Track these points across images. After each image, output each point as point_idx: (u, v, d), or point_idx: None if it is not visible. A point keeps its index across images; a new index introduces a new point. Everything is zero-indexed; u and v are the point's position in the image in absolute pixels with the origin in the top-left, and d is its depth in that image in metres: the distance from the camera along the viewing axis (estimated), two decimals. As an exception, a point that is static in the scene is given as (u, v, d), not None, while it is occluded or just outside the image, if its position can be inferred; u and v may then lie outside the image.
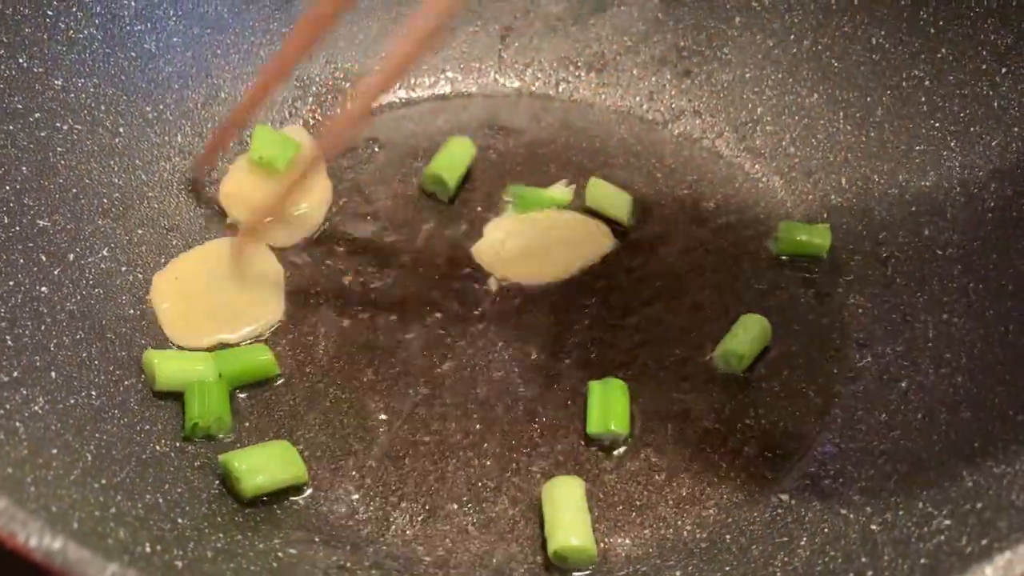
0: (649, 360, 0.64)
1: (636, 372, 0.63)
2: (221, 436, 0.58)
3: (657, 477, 0.59)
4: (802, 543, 0.53)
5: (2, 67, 0.61)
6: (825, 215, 0.72)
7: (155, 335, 0.62)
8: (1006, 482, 0.48)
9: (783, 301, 0.68)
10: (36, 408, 0.52)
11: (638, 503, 0.58)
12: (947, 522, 0.48)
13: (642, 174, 0.76)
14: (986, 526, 0.46)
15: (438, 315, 0.66)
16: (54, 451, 0.50)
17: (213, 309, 0.64)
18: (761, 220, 0.73)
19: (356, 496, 0.57)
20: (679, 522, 0.57)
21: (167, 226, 0.68)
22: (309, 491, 0.57)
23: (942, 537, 0.47)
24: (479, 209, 0.73)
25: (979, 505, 0.48)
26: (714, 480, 0.59)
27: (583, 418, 0.61)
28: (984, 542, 0.44)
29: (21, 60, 0.62)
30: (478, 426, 0.60)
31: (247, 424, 0.60)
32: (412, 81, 0.81)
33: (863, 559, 0.50)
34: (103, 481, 0.50)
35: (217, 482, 0.56)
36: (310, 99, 0.78)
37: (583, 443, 0.60)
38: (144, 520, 0.49)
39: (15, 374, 0.52)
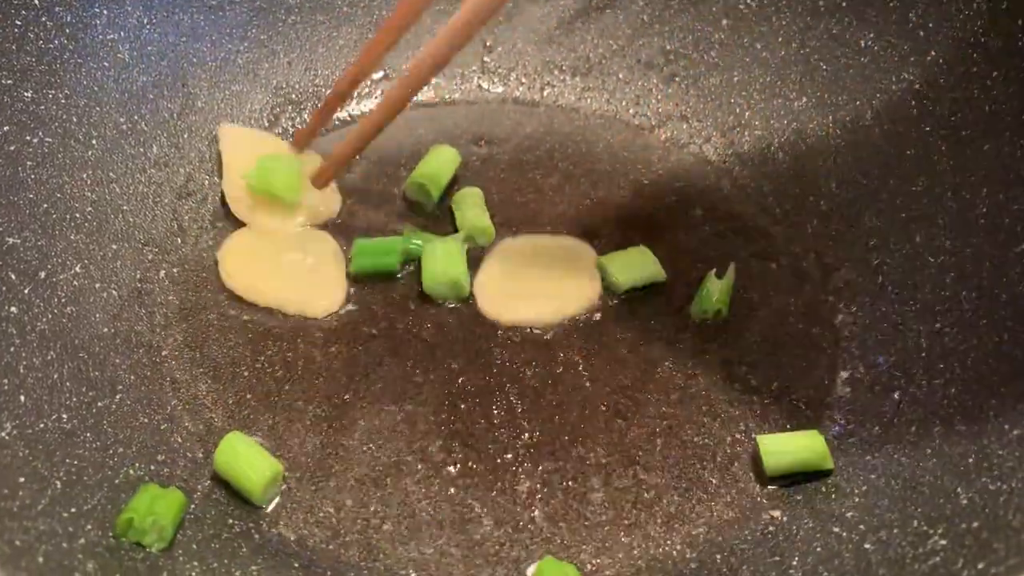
0: (635, 377, 0.63)
1: (624, 385, 0.62)
2: (152, 548, 0.50)
3: (646, 495, 0.57)
4: (794, 563, 0.52)
5: (-32, 80, 0.60)
6: (815, 221, 0.71)
7: (131, 355, 0.61)
8: (1002, 500, 0.47)
9: (772, 311, 0.66)
10: (3, 434, 0.50)
11: (626, 522, 0.56)
12: (943, 542, 0.47)
13: (628, 180, 0.75)
14: (983, 547, 0.45)
15: (421, 331, 0.65)
16: (21, 480, 0.48)
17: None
18: (750, 228, 0.72)
19: (336, 519, 0.55)
20: (668, 541, 0.55)
21: (143, 240, 0.66)
22: (289, 513, 0.56)
23: (938, 559, 0.46)
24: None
25: (975, 525, 0.47)
26: (703, 497, 0.57)
27: (568, 435, 0.59)
28: (981, 566, 0.43)
29: (-11, 72, 0.61)
30: (461, 444, 0.59)
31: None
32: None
33: (857, 580, 0.49)
34: (73, 510, 0.49)
35: (193, 506, 0.54)
36: (289, 107, 0.77)
37: (569, 461, 0.59)
38: (115, 550, 0.48)
39: (-19, 399, 0.51)
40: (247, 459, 0.55)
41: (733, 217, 0.72)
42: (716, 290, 0.65)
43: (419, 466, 0.58)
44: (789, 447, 0.58)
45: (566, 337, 0.64)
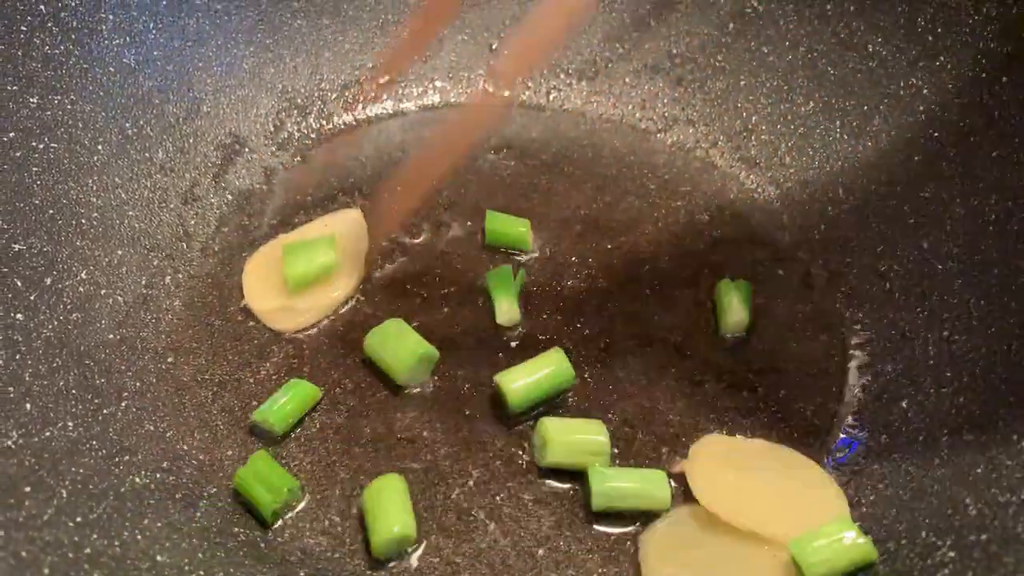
0: (641, 384, 0.62)
1: (631, 392, 0.62)
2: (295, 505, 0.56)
3: (652, 504, 0.57)
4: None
5: (-26, 87, 0.60)
6: (822, 226, 0.71)
7: (137, 362, 0.61)
8: (1012, 512, 0.47)
9: (780, 317, 0.66)
10: (9, 443, 0.50)
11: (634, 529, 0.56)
12: (951, 554, 0.47)
13: (635, 184, 0.75)
14: (992, 560, 0.44)
15: (428, 337, 0.64)
16: (27, 489, 0.48)
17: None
18: (757, 233, 0.71)
19: (342, 527, 0.55)
20: (675, 550, 0.55)
21: (148, 246, 0.66)
22: (295, 521, 0.55)
23: (946, 571, 0.46)
24: (469, 223, 0.71)
25: (984, 537, 0.46)
26: (711, 506, 0.57)
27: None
28: (990, 579, 0.43)
29: (-6, 78, 0.61)
30: (467, 452, 0.59)
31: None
32: (399, 91, 0.80)
33: (864, 591, 0.48)
34: (78, 519, 0.49)
35: (199, 514, 0.54)
36: (295, 111, 0.77)
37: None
38: (121, 560, 0.48)
39: (-14, 407, 0.51)
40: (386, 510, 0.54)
41: (740, 223, 0.72)
42: (738, 302, 0.65)
43: (425, 474, 0.58)
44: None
45: (573, 345, 0.64)
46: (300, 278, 0.65)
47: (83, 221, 0.63)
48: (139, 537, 0.50)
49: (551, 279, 0.68)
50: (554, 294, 0.67)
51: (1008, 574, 0.43)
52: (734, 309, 0.65)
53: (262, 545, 0.54)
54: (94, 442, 0.54)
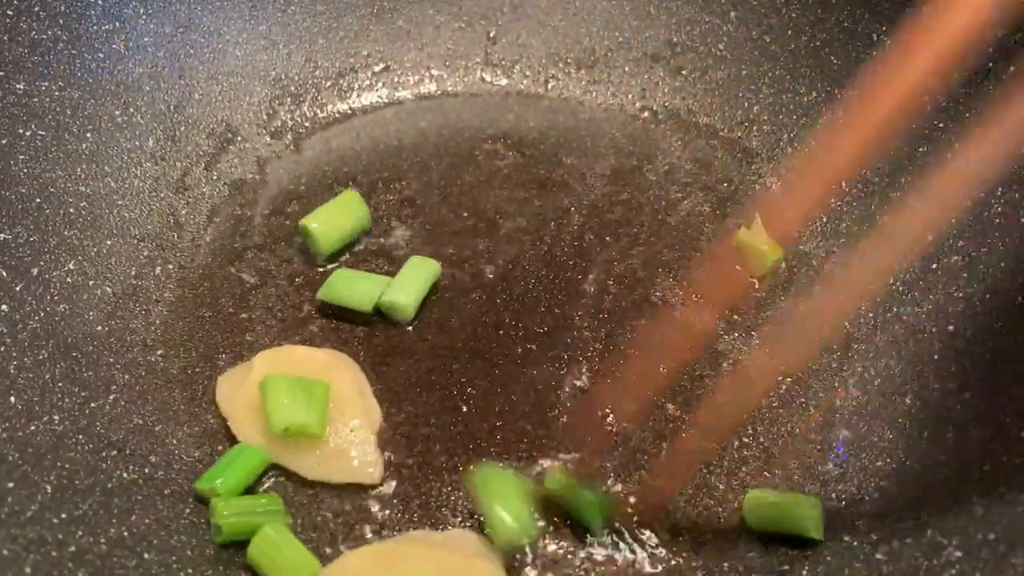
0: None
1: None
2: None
3: (651, 500, 0.56)
4: (804, 573, 0.51)
5: (-41, 72, 0.58)
6: (823, 218, 0.70)
7: (125, 354, 0.59)
8: (1020, 511, 0.46)
9: (781, 312, 0.65)
10: (-8, 437, 0.49)
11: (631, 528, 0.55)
12: (958, 554, 0.46)
13: (633, 176, 0.73)
14: (1000, 560, 0.43)
15: (423, 333, 0.63)
16: (10, 485, 0.47)
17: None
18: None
19: (335, 524, 0.54)
20: (675, 548, 0.54)
21: (138, 236, 0.65)
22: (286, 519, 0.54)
23: (953, 571, 0.45)
24: (465, 214, 0.70)
25: (991, 536, 0.45)
26: (710, 503, 0.56)
27: (572, 440, 0.58)
28: (999, 580, 0.42)
29: (-21, 64, 0.59)
30: (462, 448, 0.58)
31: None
32: (395, 80, 0.78)
33: (868, 592, 0.47)
34: (63, 516, 0.47)
35: (188, 510, 0.53)
36: (288, 99, 0.75)
37: (572, 466, 0.57)
38: (107, 557, 0.47)
39: (-31, 401, 0.50)
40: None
41: (741, 214, 0.71)
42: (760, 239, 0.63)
43: (419, 470, 0.57)
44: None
45: (569, 341, 0.63)
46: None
47: (71, 210, 0.62)
48: (126, 534, 0.49)
49: (549, 272, 0.67)
50: (551, 287, 0.66)
51: (1017, 574, 0.42)
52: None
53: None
54: (80, 436, 0.53)
